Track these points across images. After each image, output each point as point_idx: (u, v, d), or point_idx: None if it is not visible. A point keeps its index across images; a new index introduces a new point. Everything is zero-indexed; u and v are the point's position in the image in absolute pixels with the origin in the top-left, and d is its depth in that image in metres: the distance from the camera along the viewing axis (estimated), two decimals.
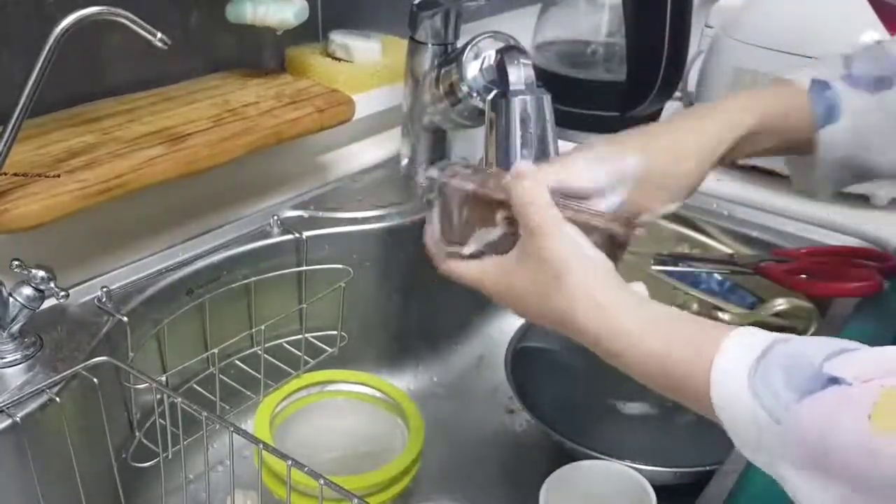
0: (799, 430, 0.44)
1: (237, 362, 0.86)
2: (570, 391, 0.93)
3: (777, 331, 0.71)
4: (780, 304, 0.72)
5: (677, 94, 1.14)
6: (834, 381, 0.44)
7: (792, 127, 0.68)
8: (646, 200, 0.65)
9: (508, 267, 0.60)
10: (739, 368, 0.47)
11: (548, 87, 0.81)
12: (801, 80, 0.69)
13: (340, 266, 0.89)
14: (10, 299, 0.66)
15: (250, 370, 0.86)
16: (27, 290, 0.66)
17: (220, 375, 0.81)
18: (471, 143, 1.07)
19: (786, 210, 0.98)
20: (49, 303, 0.69)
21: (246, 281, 0.86)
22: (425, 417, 0.81)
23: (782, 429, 0.44)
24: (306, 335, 0.90)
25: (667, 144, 0.66)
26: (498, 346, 1.00)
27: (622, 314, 0.53)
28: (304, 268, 0.90)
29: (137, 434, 0.77)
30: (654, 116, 1.18)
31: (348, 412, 0.85)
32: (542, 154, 0.79)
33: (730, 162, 0.69)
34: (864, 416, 0.42)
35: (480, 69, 0.88)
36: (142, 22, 0.63)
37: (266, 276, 0.87)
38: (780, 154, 0.73)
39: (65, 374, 0.66)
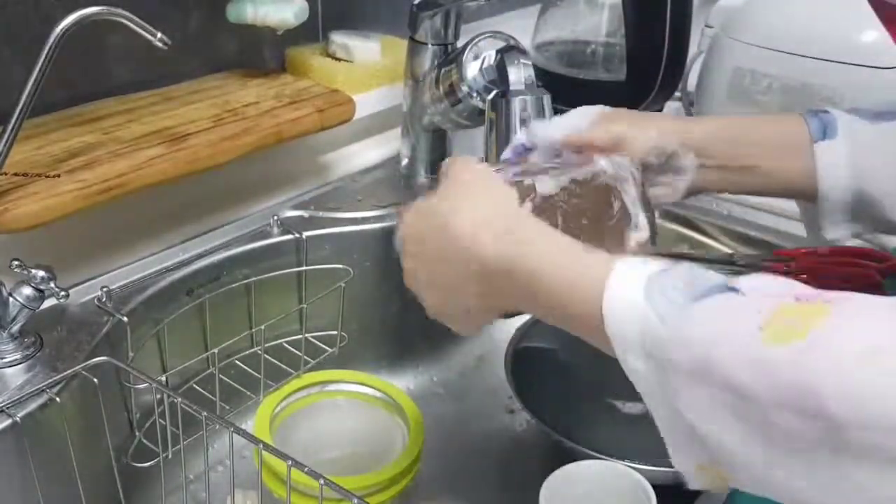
0: (686, 333, 0.44)
1: (237, 362, 0.86)
2: (570, 391, 0.93)
3: None
4: None
5: (677, 94, 1.14)
6: (733, 290, 0.44)
7: (783, 140, 0.66)
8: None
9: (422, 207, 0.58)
10: (638, 276, 0.46)
11: (548, 87, 0.81)
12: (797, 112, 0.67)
13: (340, 266, 0.89)
14: (10, 299, 0.66)
15: (250, 370, 0.86)
16: (27, 290, 0.67)
17: (220, 375, 0.81)
18: (471, 143, 1.07)
19: (786, 210, 0.98)
20: (49, 303, 0.69)
21: (246, 281, 0.86)
22: (425, 417, 0.81)
23: (669, 330, 0.44)
24: (306, 335, 0.90)
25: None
26: (498, 346, 1.00)
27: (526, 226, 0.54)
28: (304, 268, 0.90)
29: (137, 434, 0.77)
30: None
31: (348, 412, 0.85)
32: None
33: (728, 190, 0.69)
34: (756, 327, 0.41)
35: (480, 69, 0.89)
36: (142, 22, 0.63)
37: (266, 276, 0.87)
38: (781, 195, 0.71)
39: (65, 374, 0.66)
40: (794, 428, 0.40)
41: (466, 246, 0.54)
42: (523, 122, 0.78)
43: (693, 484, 0.49)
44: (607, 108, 0.70)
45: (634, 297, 0.46)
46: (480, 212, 0.55)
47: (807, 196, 0.66)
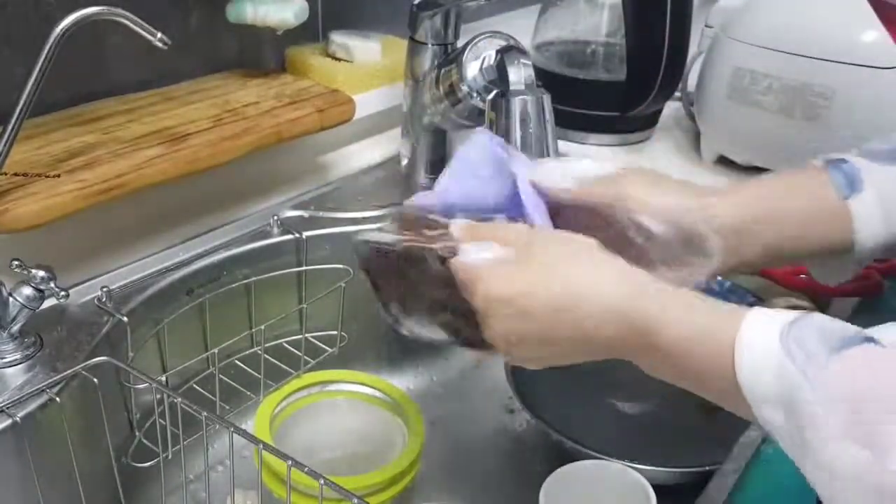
0: (831, 383, 0.43)
1: (237, 362, 0.86)
2: (570, 391, 0.93)
3: None
4: (780, 304, 0.72)
5: (677, 94, 1.14)
6: (870, 340, 0.44)
7: (820, 211, 0.63)
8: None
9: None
10: (770, 331, 0.46)
11: (548, 87, 0.81)
12: (812, 163, 0.65)
13: (340, 266, 0.89)
14: (10, 299, 0.66)
15: (250, 370, 0.86)
16: (27, 290, 0.67)
17: (220, 375, 0.81)
18: None
19: None
20: (49, 303, 0.69)
21: (246, 281, 0.86)
22: (425, 417, 0.81)
23: (809, 383, 0.43)
24: (306, 335, 0.90)
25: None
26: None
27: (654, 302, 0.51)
28: (305, 268, 0.90)
29: (137, 434, 0.77)
30: (653, 116, 1.18)
31: (348, 412, 0.85)
32: (541, 154, 0.79)
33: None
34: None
35: (480, 69, 0.89)
36: (142, 22, 0.63)
37: (266, 276, 0.87)
38: (814, 256, 0.68)
39: (65, 374, 0.66)
40: None
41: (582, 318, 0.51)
42: (523, 122, 0.78)
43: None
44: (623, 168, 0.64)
45: (769, 346, 0.45)
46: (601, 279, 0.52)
47: (839, 252, 0.64)
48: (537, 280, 0.53)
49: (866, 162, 0.63)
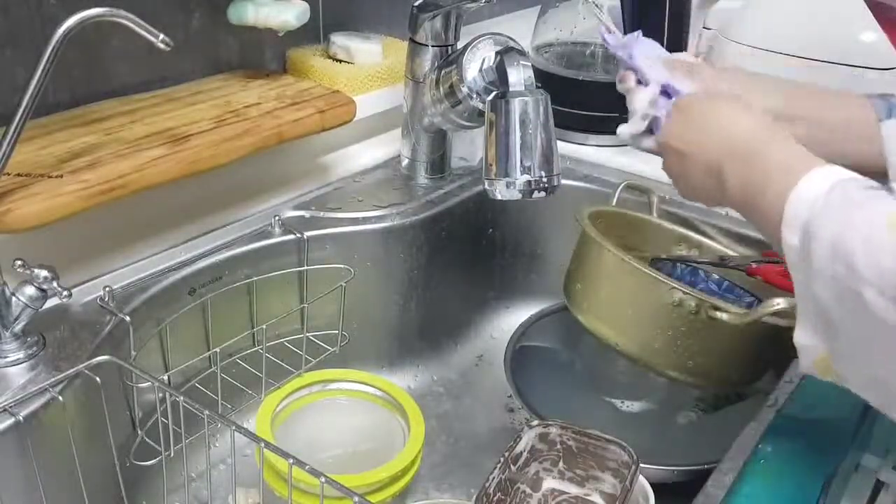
0: (833, 214, 0.53)
1: (239, 361, 0.87)
2: (570, 390, 0.93)
3: (775, 330, 0.72)
4: (779, 303, 0.72)
5: None
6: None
7: (850, 118, 0.71)
8: None
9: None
10: (829, 175, 0.56)
11: (547, 89, 0.81)
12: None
13: (341, 266, 0.90)
14: (13, 299, 0.67)
15: (252, 369, 0.86)
16: (30, 290, 0.67)
17: (222, 374, 0.81)
18: (471, 144, 1.07)
19: None
20: (52, 302, 0.69)
21: (247, 280, 0.86)
22: (426, 416, 0.82)
23: (825, 210, 0.53)
24: (307, 334, 0.91)
25: None
26: (498, 346, 1.01)
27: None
28: (306, 267, 0.90)
29: (140, 432, 0.78)
30: None
31: (349, 411, 0.85)
32: (541, 155, 0.79)
33: None
34: (883, 213, 0.50)
35: (480, 70, 0.89)
36: (144, 23, 0.63)
37: (267, 275, 0.87)
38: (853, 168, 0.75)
39: (67, 373, 0.66)
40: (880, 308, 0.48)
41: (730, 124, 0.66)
42: (523, 122, 0.79)
43: (804, 364, 0.58)
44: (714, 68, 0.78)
45: (819, 189, 0.55)
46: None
47: (875, 174, 0.68)
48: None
49: None
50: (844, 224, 0.52)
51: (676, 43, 1.03)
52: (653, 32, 0.98)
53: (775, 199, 0.58)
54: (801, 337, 0.57)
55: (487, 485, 0.68)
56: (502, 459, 0.70)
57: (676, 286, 0.77)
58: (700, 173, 0.67)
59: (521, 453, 0.72)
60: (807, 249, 0.54)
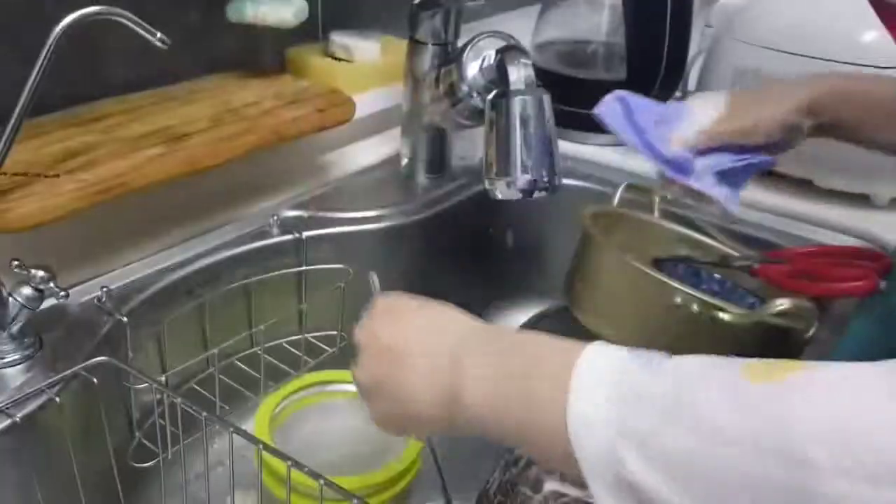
0: (664, 377, 0.41)
1: (237, 362, 0.86)
2: None
3: (778, 331, 0.71)
4: (782, 304, 0.72)
5: (677, 94, 1.14)
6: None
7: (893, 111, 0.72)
8: None
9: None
10: (597, 398, 0.43)
11: (548, 87, 0.81)
12: None
13: (340, 266, 0.89)
14: (10, 299, 0.66)
15: (250, 370, 0.86)
16: (27, 290, 0.66)
17: (220, 376, 0.81)
18: (471, 143, 1.07)
19: (785, 210, 0.98)
20: (49, 303, 0.69)
21: (246, 281, 0.86)
22: None
23: (646, 374, 0.41)
24: (306, 335, 0.90)
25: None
26: None
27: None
28: (304, 268, 0.90)
29: (137, 434, 0.77)
30: None
31: (348, 412, 0.85)
32: (541, 155, 0.79)
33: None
34: (736, 371, 0.40)
35: (480, 69, 0.88)
36: (141, 21, 0.63)
37: (266, 276, 0.87)
38: (887, 152, 0.78)
39: (64, 374, 0.66)
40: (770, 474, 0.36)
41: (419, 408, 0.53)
42: (523, 121, 0.78)
43: None
44: (725, 99, 0.77)
45: (602, 431, 0.42)
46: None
47: None
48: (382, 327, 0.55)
49: None
50: (692, 382, 0.40)
51: (679, 42, 1.03)
52: (655, 32, 0.98)
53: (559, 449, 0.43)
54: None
55: (488, 487, 0.67)
56: (503, 461, 0.69)
57: (678, 287, 0.77)
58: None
59: (522, 455, 0.72)
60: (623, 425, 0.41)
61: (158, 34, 0.64)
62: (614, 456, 0.41)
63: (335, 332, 0.91)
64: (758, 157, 0.76)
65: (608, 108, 0.79)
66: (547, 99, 0.79)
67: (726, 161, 0.76)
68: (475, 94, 0.89)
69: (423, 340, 0.53)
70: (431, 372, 0.52)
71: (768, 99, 0.76)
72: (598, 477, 0.42)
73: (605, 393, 0.42)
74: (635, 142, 0.77)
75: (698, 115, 0.77)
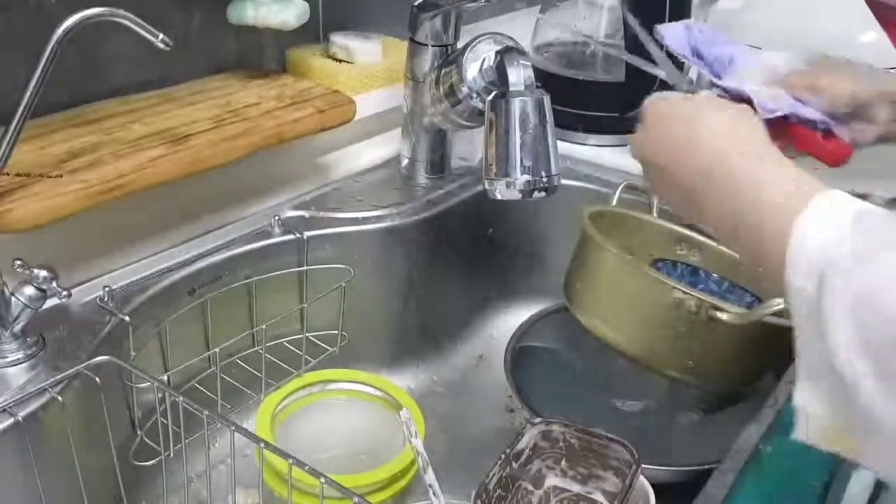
0: (867, 268, 0.44)
1: (238, 361, 0.87)
2: (570, 390, 0.93)
3: (777, 330, 0.72)
4: (779, 303, 0.72)
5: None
6: None
7: None
8: None
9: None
10: (843, 212, 0.49)
11: (547, 88, 0.81)
12: None
13: (341, 266, 0.90)
14: (13, 299, 0.66)
15: (251, 369, 0.86)
16: (29, 290, 0.67)
17: (222, 374, 0.81)
18: (471, 144, 1.07)
19: None
20: (51, 302, 0.69)
21: (247, 281, 0.86)
22: (425, 416, 0.81)
23: (850, 256, 0.45)
24: (307, 334, 0.90)
25: None
26: (498, 346, 1.01)
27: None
28: (305, 267, 0.90)
29: (139, 433, 0.78)
30: None
31: (349, 411, 0.85)
32: (541, 155, 0.79)
33: None
34: None
35: (480, 70, 0.89)
36: (143, 23, 0.63)
37: (267, 275, 0.87)
38: None
39: (67, 373, 0.66)
40: None
41: (706, 138, 0.60)
42: (523, 122, 0.78)
43: (800, 430, 0.50)
44: (810, 59, 0.78)
45: (830, 228, 0.48)
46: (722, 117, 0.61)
47: None
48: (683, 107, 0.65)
49: None
50: (887, 279, 0.43)
51: None
52: (653, 33, 0.98)
53: (775, 237, 0.50)
54: (804, 399, 0.48)
55: (487, 481, 0.68)
56: (503, 456, 0.70)
57: (676, 286, 0.77)
58: (678, 194, 0.63)
59: (524, 450, 0.72)
60: (823, 301, 0.45)
61: (161, 36, 0.64)
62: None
63: (336, 332, 0.91)
64: (818, 114, 0.74)
65: (672, 31, 0.80)
66: (546, 100, 0.80)
67: (785, 105, 0.73)
68: (475, 95, 0.89)
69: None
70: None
71: (857, 73, 0.76)
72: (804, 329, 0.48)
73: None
74: (692, 61, 0.78)
75: (774, 61, 0.77)
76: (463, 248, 1.04)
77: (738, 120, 0.62)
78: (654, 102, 0.67)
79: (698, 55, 0.78)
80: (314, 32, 1.06)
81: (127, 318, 0.73)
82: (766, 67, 0.76)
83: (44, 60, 0.63)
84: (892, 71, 0.79)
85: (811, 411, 0.48)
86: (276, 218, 0.89)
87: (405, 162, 1.03)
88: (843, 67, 0.77)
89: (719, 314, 0.75)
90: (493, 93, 0.84)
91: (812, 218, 0.49)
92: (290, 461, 0.58)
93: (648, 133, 0.66)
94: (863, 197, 0.52)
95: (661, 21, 0.97)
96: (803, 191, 0.51)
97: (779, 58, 0.77)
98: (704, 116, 0.62)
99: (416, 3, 0.95)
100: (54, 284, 0.67)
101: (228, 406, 0.83)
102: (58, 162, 0.75)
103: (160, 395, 0.70)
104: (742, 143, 0.59)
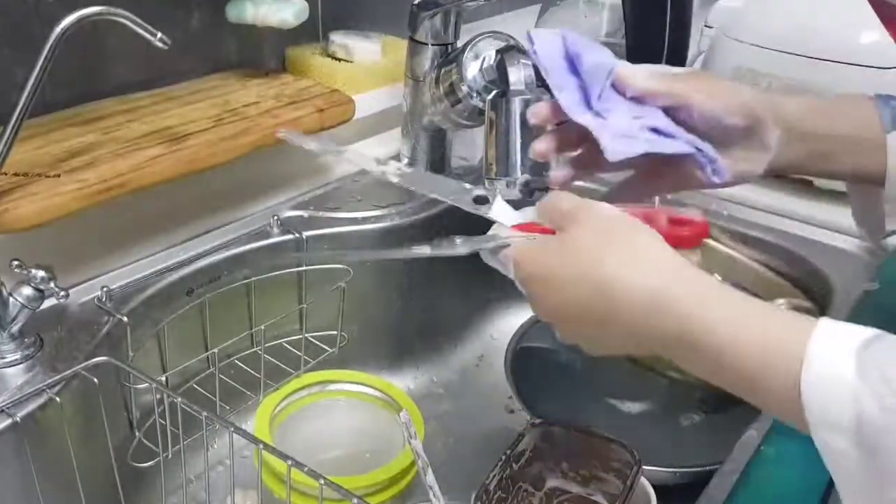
0: None
1: (237, 362, 0.86)
2: (570, 391, 0.93)
3: None
4: (780, 303, 0.72)
5: None
6: None
7: (859, 132, 0.67)
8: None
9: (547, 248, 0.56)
10: (843, 349, 0.43)
11: (547, 88, 0.81)
12: (867, 95, 0.69)
13: (340, 266, 0.89)
14: (10, 299, 0.66)
15: (250, 370, 0.86)
16: (27, 290, 0.66)
17: (220, 375, 0.81)
18: (471, 143, 1.07)
19: (785, 210, 0.98)
20: (49, 303, 0.69)
21: (246, 281, 0.86)
22: (425, 417, 0.81)
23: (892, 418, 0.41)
24: (306, 335, 0.90)
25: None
26: (498, 346, 1.00)
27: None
28: (304, 268, 0.90)
29: (137, 434, 0.77)
30: None
31: (348, 412, 0.85)
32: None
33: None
34: None
35: (480, 69, 0.89)
36: (142, 22, 0.63)
37: (266, 275, 0.87)
38: (850, 180, 0.72)
39: (65, 373, 0.66)
40: None
41: (625, 311, 0.51)
42: (523, 122, 0.78)
43: None
44: (679, 70, 0.71)
45: (842, 368, 0.43)
46: (633, 267, 0.51)
47: (874, 182, 0.67)
48: (568, 271, 0.54)
49: None
50: None
51: (679, 42, 1.03)
52: (655, 31, 0.98)
53: (782, 390, 0.45)
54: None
55: (488, 482, 0.67)
56: (504, 457, 0.69)
57: None
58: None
59: (524, 452, 0.72)
60: (879, 466, 0.42)
61: (159, 34, 0.64)
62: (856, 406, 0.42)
63: (335, 332, 0.91)
64: (687, 145, 0.63)
65: (545, 40, 0.68)
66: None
67: (640, 143, 0.62)
68: (475, 95, 0.89)
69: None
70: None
71: (738, 89, 0.67)
72: (833, 428, 0.43)
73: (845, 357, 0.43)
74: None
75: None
76: None
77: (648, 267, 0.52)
78: (523, 263, 0.58)
79: (574, 66, 0.67)
80: (313, 31, 1.06)
81: (125, 319, 0.73)
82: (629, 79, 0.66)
83: (42, 59, 0.62)
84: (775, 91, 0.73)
85: None
86: (275, 218, 0.89)
87: (405, 161, 1.03)
88: (722, 81, 0.68)
89: None
90: (494, 92, 0.83)
91: (820, 361, 0.44)
92: (289, 462, 0.58)
93: (546, 303, 0.57)
94: None
95: (663, 21, 0.97)
96: (789, 334, 0.46)
97: (646, 70, 0.67)
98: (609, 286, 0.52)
99: (415, 2, 0.94)
100: (52, 285, 0.67)
101: (227, 407, 0.83)
102: (56, 161, 0.75)
103: (158, 395, 0.70)
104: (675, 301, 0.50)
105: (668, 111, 0.64)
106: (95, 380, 0.66)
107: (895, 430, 0.41)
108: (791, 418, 0.45)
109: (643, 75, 0.64)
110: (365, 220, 0.94)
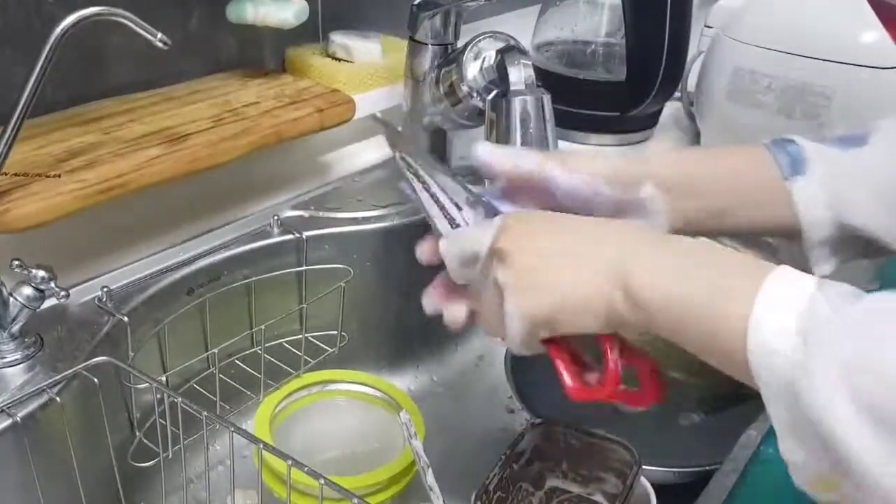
0: (851, 327, 0.42)
1: (237, 362, 0.86)
2: None
3: None
4: None
5: (677, 94, 1.14)
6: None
7: (756, 183, 0.62)
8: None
9: None
10: (787, 315, 0.44)
11: (548, 88, 0.81)
12: (762, 142, 0.64)
13: (340, 266, 0.90)
14: (11, 299, 0.66)
15: (250, 370, 0.86)
16: (27, 290, 0.67)
17: (221, 375, 0.81)
18: (471, 144, 1.07)
19: None
20: (49, 302, 0.69)
21: (246, 281, 0.86)
22: (425, 417, 0.81)
23: (830, 318, 0.42)
24: (306, 335, 0.90)
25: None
26: (498, 347, 1.00)
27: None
28: (305, 267, 0.90)
29: (138, 434, 0.77)
30: (653, 116, 1.18)
31: (348, 412, 0.85)
32: None
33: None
34: None
35: (480, 69, 0.89)
36: (142, 22, 0.63)
37: (266, 275, 0.87)
38: (765, 234, 0.69)
39: (65, 373, 0.66)
40: None
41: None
42: (523, 122, 0.78)
43: (796, 479, 0.48)
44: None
45: (785, 331, 0.43)
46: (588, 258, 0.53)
47: (790, 234, 0.63)
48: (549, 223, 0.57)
49: (816, 145, 0.62)
50: (875, 342, 0.41)
51: (679, 42, 1.03)
52: (655, 31, 0.98)
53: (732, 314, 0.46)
54: (789, 452, 0.47)
55: (487, 482, 0.67)
56: (503, 457, 0.69)
57: None
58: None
59: (524, 452, 0.72)
60: (806, 362, 0.43)
61: (159, 35, 0.64)
62: (795, 385, 0.43)
63: (335, 332, 0.91)
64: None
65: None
66: (547, 99, 0.80)
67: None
68: (475, 95, 0.89)
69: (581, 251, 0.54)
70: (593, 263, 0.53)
71: (614, 161, 0.63)
72: (779, 401, 0.44)
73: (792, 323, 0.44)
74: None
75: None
76: None
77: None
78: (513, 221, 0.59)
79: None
80: (314, 31, 1.06)
81: (125, 319, 0.73)
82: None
83: (42, 59, 0.62)
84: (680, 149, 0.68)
85: (795, 461, 0.47)
86: (276, 218, 0.89)
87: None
88: (599, 157, 0.64)
89: None
90: (494, 92, 0.83)
91: (775, 284, 0.45)
92: (289, 462, 0.58)
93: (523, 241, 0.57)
94: None
95: (663, 21, 0.97)
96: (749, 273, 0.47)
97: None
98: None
99: (415, 2, 0.95)
100: (52, 284, 0.67)
101: (227, 407, 0.83)
102: (56, 161, 0.75)
103: (159, 395, 0.70)
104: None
105: (532, 191, 0.63)
106: (96, 380, 0.66)
107: (834, 327, 0.42)
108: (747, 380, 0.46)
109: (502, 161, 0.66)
110: (365, 220, 0.94)
